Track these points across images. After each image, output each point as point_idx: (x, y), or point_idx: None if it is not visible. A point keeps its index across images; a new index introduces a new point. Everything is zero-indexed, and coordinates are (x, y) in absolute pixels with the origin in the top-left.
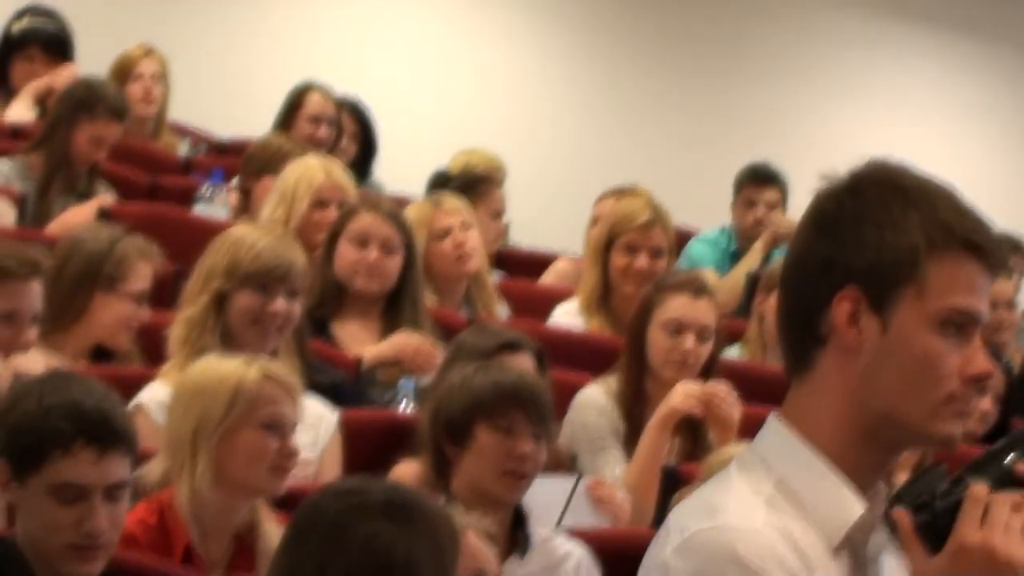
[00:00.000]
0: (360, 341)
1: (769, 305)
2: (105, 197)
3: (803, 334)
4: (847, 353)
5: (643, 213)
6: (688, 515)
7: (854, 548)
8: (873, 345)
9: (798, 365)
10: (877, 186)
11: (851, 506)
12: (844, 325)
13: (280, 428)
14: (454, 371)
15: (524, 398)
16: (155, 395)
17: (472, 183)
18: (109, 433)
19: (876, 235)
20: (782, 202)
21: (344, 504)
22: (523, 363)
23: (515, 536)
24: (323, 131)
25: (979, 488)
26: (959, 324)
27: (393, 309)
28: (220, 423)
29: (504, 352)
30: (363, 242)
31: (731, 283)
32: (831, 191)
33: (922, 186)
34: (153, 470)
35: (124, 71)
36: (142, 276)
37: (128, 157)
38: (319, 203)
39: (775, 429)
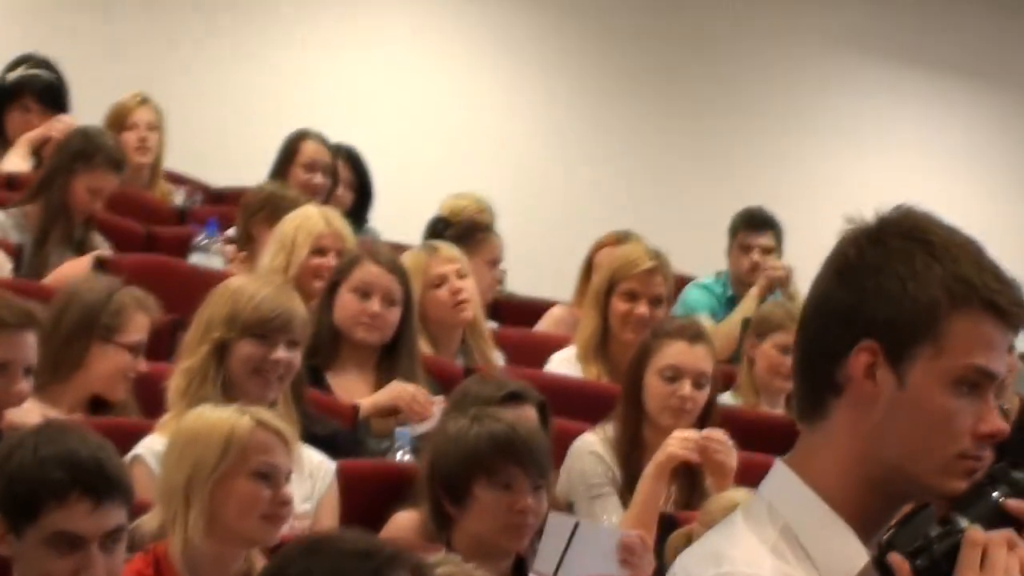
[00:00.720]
0: (355, 391)
1: (760, 351)
2: (102, 248)
3: (819, 382)
4: (862, 405)
5: (645, 260)
6: (695, 563)
7: None
8: (888, 399)
9: (811, 412)
10: (901, 236)
11: (857, 555)
12: (861, 377)
13: (273, 477)
14: (449, 423)
15: (521, 451)
16: (153, 446)
17: (469, 231)
18: (104, 482)
19: (898, 287)
20: (777, 247)
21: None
22: (526, 415)
23: None
24: (319, 179)
25: (975, 532)
26: (974, 383)
27: (389, 359)
28: (212, 472)
29: (508, 404)
30: (365, 293)
31: (727, 329)
32: (854, 237)
33: (947, 239)
34: (150, 521)
35: (119, 120)
36: (139, 327)
37: (124, 207)
38: (318, 251)
39: (782, 475)
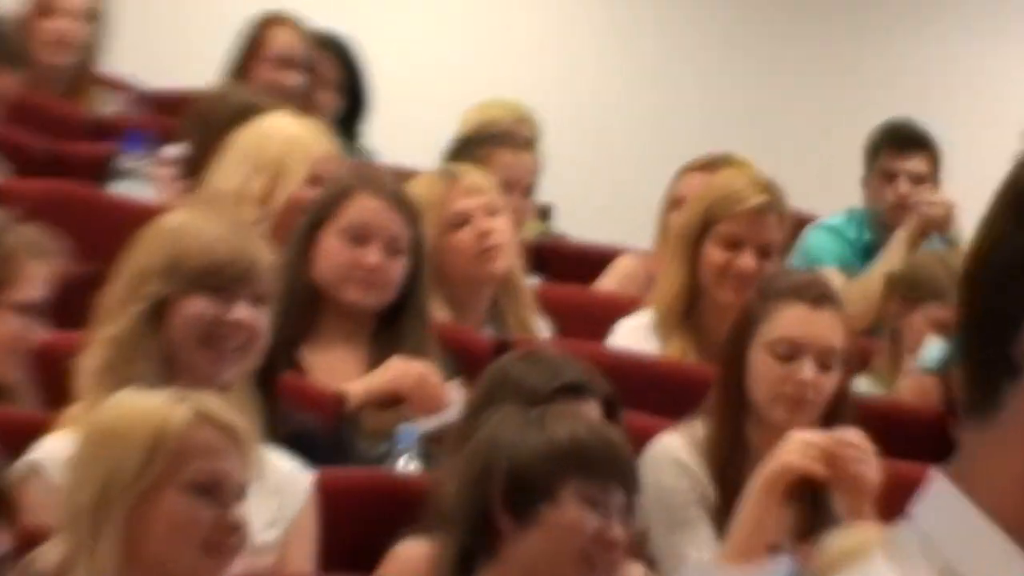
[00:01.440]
0: (342, 373)
1: (910, 322)
2: None
3: (991, 361)
4: None
5: (752, 193)
6: None
7: None
8: None
9: (981, 403)
10: None
11: None
12: None
13: (219, 491)
14: (499, 418)
15: (620, 463)
16: (55, 450)
17: (475, 143)
18: None
19: None
20: (933, 174)
21: None
22: (589, 413)
23: None
24: (292, 77)
25: None
26: None
27: (389, 329)
28: (133, 484)
29: (562, 397)
30: (360, 237)
31: (866, 288)
32: None
33: None
34: (51, 551)
35: (44, 5)
36: (33, 280)
37: (28, 118)
38: (312, 181)
39: (943, 495)
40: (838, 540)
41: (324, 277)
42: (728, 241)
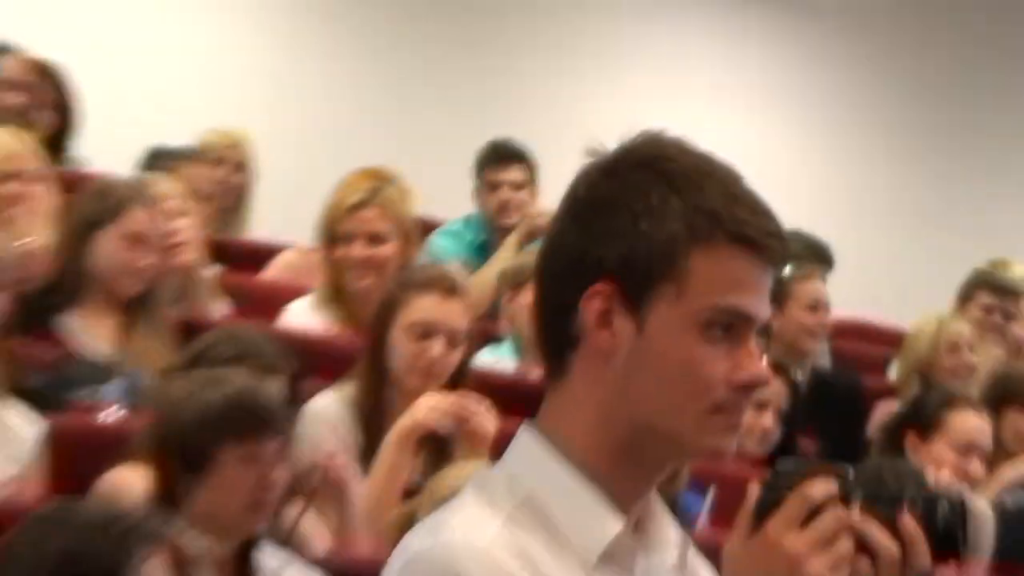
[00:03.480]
0: (95, 336)
1: (518, 303)
2: None
3: (556, 335)
4: (600, 357)
5: (353, 193)
6: (413, 535)
7: (619, 565)
8: (627, 349)
9: (555, 371)
10: (637, 167)
11: (607, 524)
12: (594, 326)
13: None
14: (178, 382)
15: (272, 418)
16: None
17: (163, 157)
18: None
19: (630, 224)
20: (530, 182)
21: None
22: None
23: (243, 568)
24: (13, 98)
25: (822, 488)
26: (726, 325)
27: (138, 305)
28: None
29: (240, 362)
30: (136, 241)
31: (481, 280)
32: (588, 171)
33: (691, 167)
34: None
35: None
36: None
37: None
38: (4, 176)
39: (526, 441)
40: (446, 478)
41: (102, 271)
42: (342, 237)
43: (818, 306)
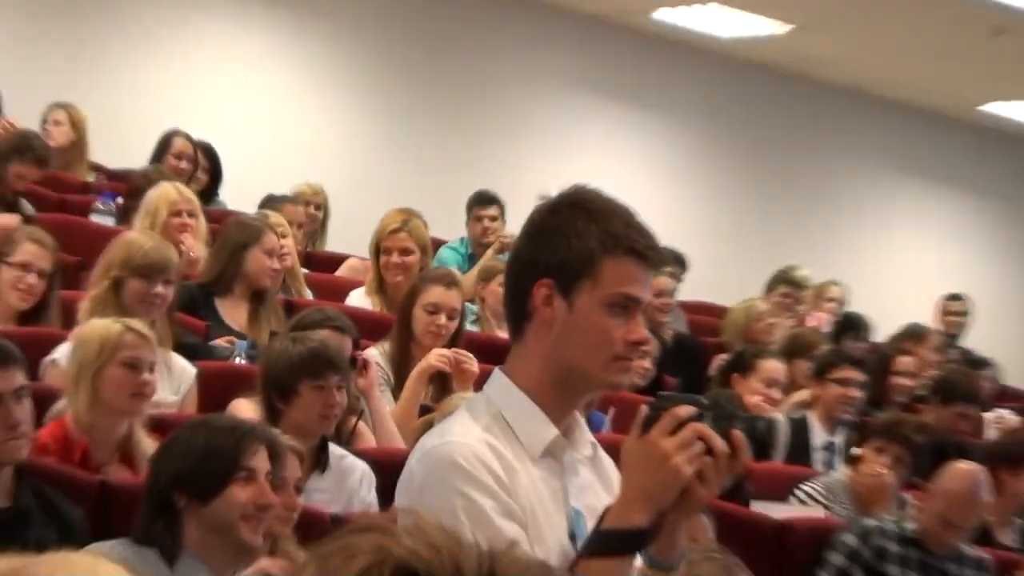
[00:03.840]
0: (234, 313)
1: (488, 290)
2: (27, 209)
3: (517, 312)
4: (544, 326)
5: (392, 223)
6: (428, 438)
7: (554, 458)
8: (562, 320)
9: (515, 334)
10: (570, 206)
11: (547, 430)
12: (541, 306)
13: (138, 366)
14: (277, 341)
15: (334, 362)
16: (65, 351)
17: (273, 201)
18: (6, 356)
19: (565, 242)
20: (501, 217)
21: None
22: (338, 338)
23: (319, 457)
24: (184, 165)
25: (685, 410)
26: (623, 305)
27: (259, 297)
28: (93, 364)
29: (324, 327)
30: (271, 254)
31: (469, 278)
32: (539, 208)
33: (604, 206)
34: (62, 403)
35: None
36: (29, 251)
37: (49, 182)
38: (174, 213)
39: (498, 378)
40: (448, 401)
41: (251, 275)
42: (384, 251)
43: (662, 294)
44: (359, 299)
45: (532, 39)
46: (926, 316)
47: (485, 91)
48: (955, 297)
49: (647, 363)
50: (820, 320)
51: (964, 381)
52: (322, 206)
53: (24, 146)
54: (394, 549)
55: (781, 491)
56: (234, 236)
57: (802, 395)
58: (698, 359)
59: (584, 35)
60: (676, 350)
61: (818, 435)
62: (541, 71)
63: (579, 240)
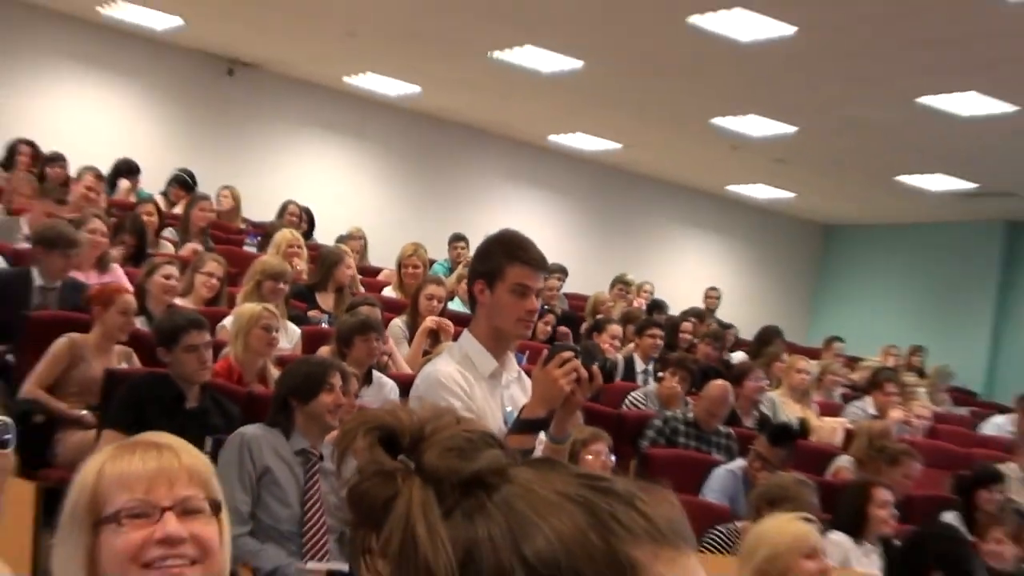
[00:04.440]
0: (326, 302)
1: (460, 288)
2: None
3: (471, 299)
4: (483, 306)
5: (408, 251)
6: (425, 367)
7: (495, 378)
8: (490, 303)
9: (472, 311)
10: (495, 240)
11: (491, 363)
12: (479, 295)
13: (269, 329)
14: (344, 317)
15: (373, 325)
16: (229, 321)
17: (341, 239)
18: (200, 323)
19: (490, 260)
20: (467, 248)
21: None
22: (376, 313)
23: (367, 378)
24: (294, 219)
25: (567, 353)
26: (521, 292)
27: (339, 292)
28: (244, 328)
29: (368, 306)
30: (346, 268)
31: (450, 281)
32: (482, 242)
33: (514, 238)
34: (228, 349)
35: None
36: (211, 266)
37: (218, 227)
38: (289, 246)
39: (464, 335)
40: (440, 347)
41: (341, 280)
42: (403, 266)
43: (553, 288)
44: (389, 292)
45: (486, 156)
46: (698, 300)
47: (460, 183)
48: (713, 288)
49: (548, 326)
50: (641, 303)
51: (718, 334)
52: (364, 240)
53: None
54: (378, 414)
55: (618, 399)
56: (327, 258)
57: (630, 346)
58: (575, 324)
59: (513, 153)
60: (563, 319)
61: (639, 366)
62: (488, 172)
63: (497, 258)
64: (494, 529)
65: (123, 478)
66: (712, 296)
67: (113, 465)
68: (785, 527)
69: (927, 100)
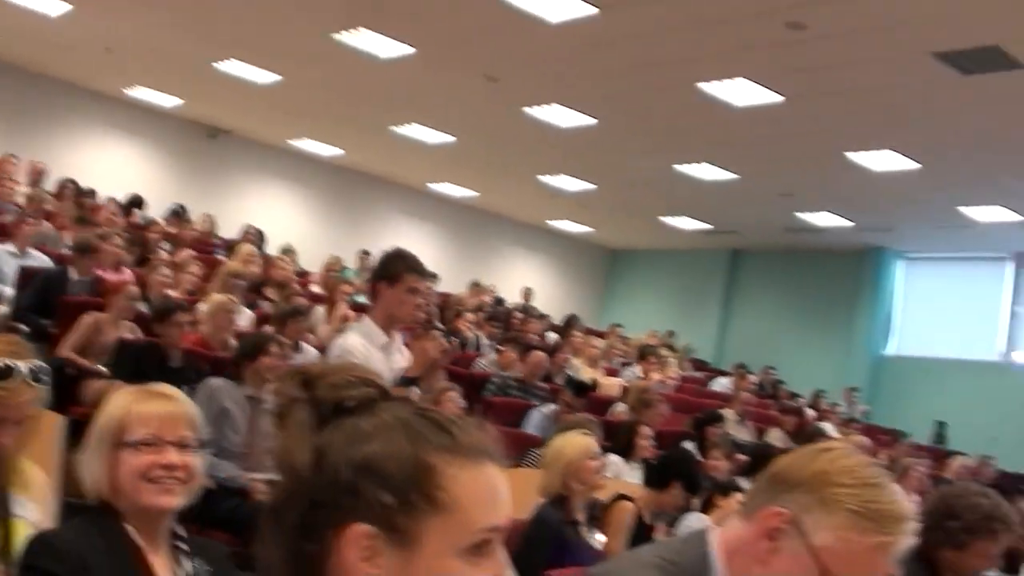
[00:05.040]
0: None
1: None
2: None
3: (373, 294)
4: (382, 299)
5: (330, 259)
6: (337, 339)
7: (386, 349)
8: (388, 298)
9: (372, 301)
10: (394, 254)
11: (383, 337)
12: (381, 291)
13: (229, 311)
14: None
15: (299, 312)
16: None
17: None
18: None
19: (388, 267)
20: (369, 258)
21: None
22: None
23: (296, 346)
24: (251, 237)
25: (436, 333)
26: (412, 290)
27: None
28: (211, 313)
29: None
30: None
31: (359, 281)
32: (382, 255)
33: (408, 254)
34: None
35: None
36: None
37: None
38: (247, 257)
39: (365, 318)
40: (348, 325)
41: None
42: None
43: (429, 289)
44: (316, 288)
45: (384, 197)
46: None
47: (367, 215)
48: (528, 287)
49: (422, 315)
50: (488, 299)
51: (523, 315)
52: (295, 253)
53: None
54: (300, 365)
55: (471, 363)
56: (380, 269)
57: (480, 329)
58: (443, 313)
59: (403, 196)
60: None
61: (485, 342)
62: (384, 208)
63: (393, 266)
64: (339, 438)
65: (143, 416)
66: (527, 293)
67: (137, 406)
68: (575, 440)
69: (683, 168)
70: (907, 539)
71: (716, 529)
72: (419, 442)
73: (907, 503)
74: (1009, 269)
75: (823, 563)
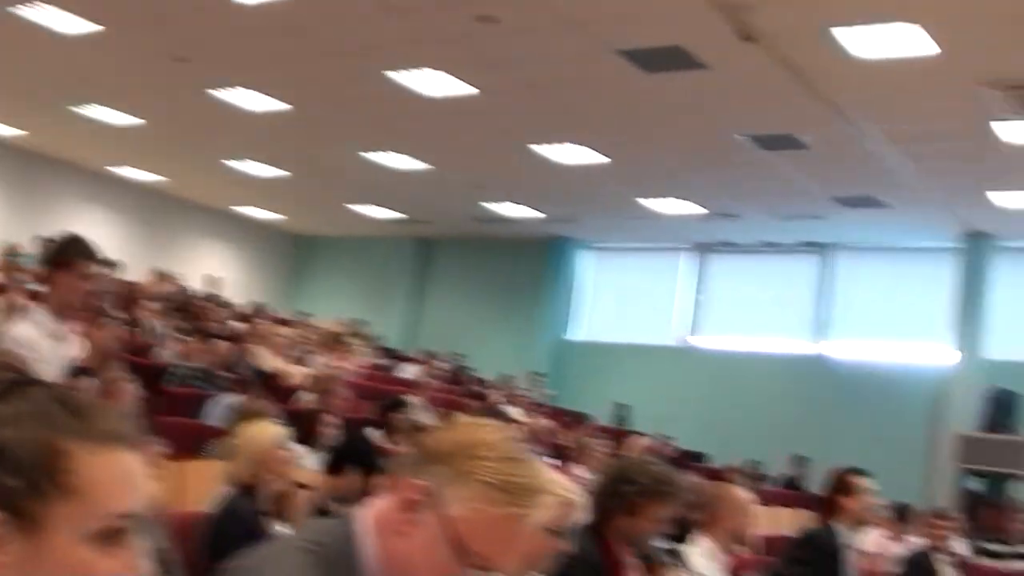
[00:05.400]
0: None
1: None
2: None
3: (49, 280)
4: (57, 286)
5: (12, 251)
6: (8, 326)
7: (57, 337)
8: (63, 283)
9: (50, 288)
10: (67, 241)
11: (54, 326)
12: (55, 278)
13: None
14: None
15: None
16: None
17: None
18: None
19: (63, 253)
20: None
21: None
22: None
23: None
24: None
25: (110, 321)
26: (85, 277)
27: None
28: None
29: None
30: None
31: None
32: (59, 242)
33: (80, 239)
34: None
35: None
36: None
37: None
38: None
39: (36, 307)
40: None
41: None
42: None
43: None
44: None
45: (73, 183)
46: (211, 286)
47: (46, 199)
48: (214, 276)
49: (98, 303)
50: (171, 288)
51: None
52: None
53: None
54: None
55: (151, 351)
56: None
57: (162, 317)
58: (125, 301)
59: (94, 184)
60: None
61: (165, 331)
62: (75, 191)
63: (65, 252)
64: None
65: None
66: (212, 281)
67: None
68: (265, 429)
69: (373, 157)
70: (544, 512)
71: (368, 507)
72: (51, 427)
73: (547, 478)
74: (690, 259)
75: (457, 533)
